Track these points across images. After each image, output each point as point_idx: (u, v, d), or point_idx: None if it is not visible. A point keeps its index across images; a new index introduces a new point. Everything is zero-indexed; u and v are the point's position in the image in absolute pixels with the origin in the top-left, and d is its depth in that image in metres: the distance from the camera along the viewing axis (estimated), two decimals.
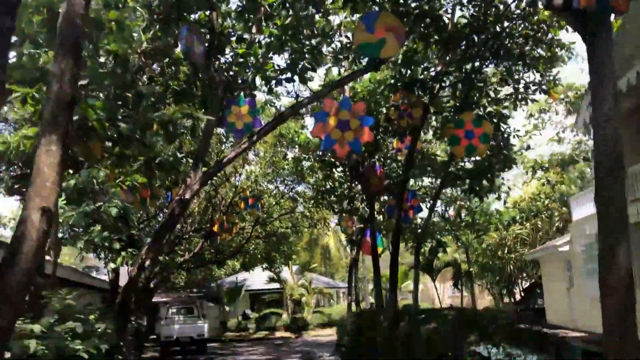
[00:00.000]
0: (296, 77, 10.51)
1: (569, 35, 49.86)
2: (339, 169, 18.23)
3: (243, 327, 30.62)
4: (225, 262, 28.20)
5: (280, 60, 36.72)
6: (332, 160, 17.10)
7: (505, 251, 25.00)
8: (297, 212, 25.74)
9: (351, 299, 20.84)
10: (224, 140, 20.27)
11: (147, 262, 8.68)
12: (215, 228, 19.94)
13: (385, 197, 17.58)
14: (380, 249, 19.79)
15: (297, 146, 20.64)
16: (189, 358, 20.32)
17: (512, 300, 28.67)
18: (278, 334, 29.44)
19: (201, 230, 22.58)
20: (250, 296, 35.04)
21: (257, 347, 24.31)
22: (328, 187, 21.99)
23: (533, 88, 13.04)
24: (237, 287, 32.05)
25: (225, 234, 20.22)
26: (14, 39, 5.48)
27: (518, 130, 14.19)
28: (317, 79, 25.17)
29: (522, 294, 27.81)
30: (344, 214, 21.40)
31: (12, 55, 6.51)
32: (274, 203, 24.36)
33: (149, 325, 24.99)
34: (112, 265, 11.66)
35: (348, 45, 11.45)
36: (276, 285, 31.76)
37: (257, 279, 34.74)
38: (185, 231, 22.43)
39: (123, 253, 9.01)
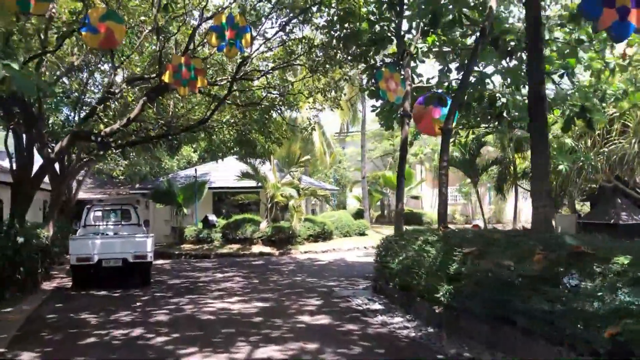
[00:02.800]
0: None
1: None
2: None
3: (205, 237, 22.88)
4: (180, 145, 19.81)
5: None
6: None
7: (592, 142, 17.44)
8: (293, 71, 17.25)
9: (400, 207, 12.87)
10: None
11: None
12: (166, 77, 11.43)
13: None
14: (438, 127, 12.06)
15: None
16: (119, 295, 12.45)
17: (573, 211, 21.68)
18: (255, 248, 21.87)
19: (143, 82, 13.96)
20: (216, 197, 27.10)
21: (228, 271, 16.71)
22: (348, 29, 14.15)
23: None
24: (198, 183, 23.93)
25: (182, 88, 11.74)
26: None
27: None
28: None
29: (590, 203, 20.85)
30: (384, 68, 13.22)
31: None
32: (260, 50, 15.68)
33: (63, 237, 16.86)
34: None
35: None
36: (252, 183, 23.81)
37: (225, 174, 26.64)
38: (113, 83, 13.76)
39: None
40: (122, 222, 15.43)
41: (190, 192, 23.96)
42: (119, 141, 15.12)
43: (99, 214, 15.30)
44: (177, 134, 15.21)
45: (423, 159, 43.06)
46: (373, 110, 15.91)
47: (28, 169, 13.82)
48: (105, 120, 15.50)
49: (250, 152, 18.97)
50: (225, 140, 19.30)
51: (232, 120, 17.27)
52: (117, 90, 13.70)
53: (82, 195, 33.72)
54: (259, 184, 23.45)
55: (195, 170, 24.71)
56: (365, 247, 23.44)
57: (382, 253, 11.23)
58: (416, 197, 35.22)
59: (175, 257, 21.71)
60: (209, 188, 25.26)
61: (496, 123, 15.32)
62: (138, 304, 10.92)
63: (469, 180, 43.34)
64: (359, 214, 29.93)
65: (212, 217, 23.76)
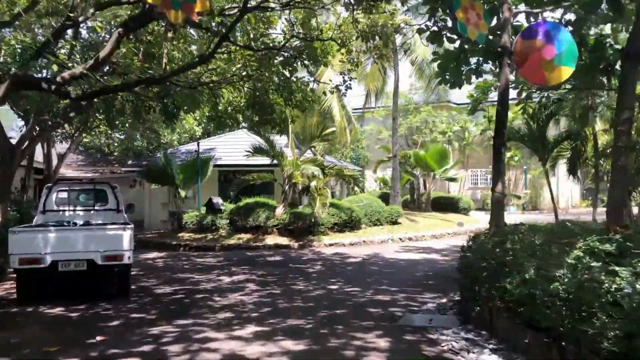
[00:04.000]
0: None
1: None
2: None
3: (209, 224, 19.03)
4: (178, 111, 15.80)
5: None
6: None
7: None
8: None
9: (500, 190, 8.76)
10: None
11: None
12: None
13: None
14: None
15: None
16: (79, 316, 8.65)
17: None
18: (269, 239, 18.00)
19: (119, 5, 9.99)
20: (222, 176, 23.20)
21: (237, 272, 12.94)
22: None
23: None
24: (201, 159, 20.01)
25: (173, 12, 7.82)
26: None
27: None
28: None
29: None
30: None
31: None
32: None
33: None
34: None
35: None
36: (265, 160, 19.88)
37: (233, 149, 22.72)
38: (75, 7, 9.75)
39: None
40: (96, 207, 11.57)
41: (192, 170, 20.06)
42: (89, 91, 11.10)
43: (64, 195, 11.41)
44: (166, 78, 11.14)
45: (452, 137, 39.04)
46: (434, 60, 11.82)
47: None
48: (69, 64, 11.51)
49: (266, 119, 14.95)
50: (234, 103, 15.30)
51: (244, 73, 13.20)
52: (80, 18, 9.72)
53: (70, 173, 30.04)
54: (274, 161, 19.52)
55: (198, 144, 20.76)
56: (401, 239, 19.55)
57: (477, 262, 7.25)
58: (453, 179, 31.15)
59: (171, 248, 17.90)
60: (214, 166, 21.36)
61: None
62: (98, 338, 7.03)
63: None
64: (383, 199, 25.92)
65: (218, 201, 19.89)
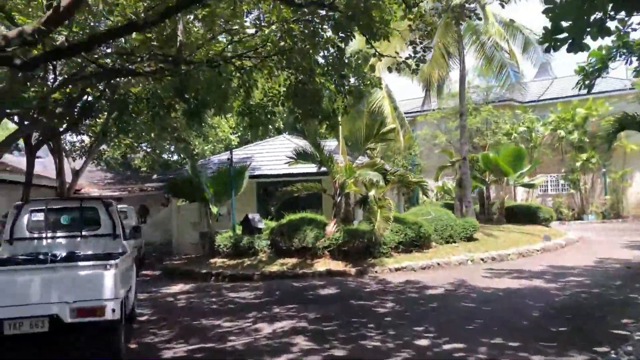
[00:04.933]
0: None
1: None
2: None
3: (246, 247, 15.76)
4: (201, 108, 12.65)
5: None
6: None
7: None
8: None
9: None
10: None
11: None
12: None
13: None
14: None
15: None
16: None
17: None
18: (319, 264, 14.55)
19: None
20: (261, 189, 19.94)
21: (280, 316, 9.65)
22: None
23: None
24: (234, 169, 16.81)
25: None
26: None
27: None
28: None
29: None
30: None
31: None
32: None
33: None
34: None
35: None
36: (311, 168, 16.56)
37: (273, 156, 19.53)
38: None
39: None
40: (84, 232, 8.37)
41: (224, 182, 16.87)
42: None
43: (39, 217, 8.24)
44: (177, 62, 7.90)
45: (517, 139, 34.91)
46: (548, 11, 8.14)
47: None
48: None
49: (311, 111, 11.56)
50: (269, 94, 11.99)
51: (279, 35, 9.85)
52: None
53: (96, 192, 27.47)
54: (322, 169, 16.16)
55: (231, 151, 17.57)
56: (482, 260, 15.82)
57: None
58: (530, 185, 27.06)
59: (200, 278, 14.71)
60: (251, 177, 18.15)
61: None
62: None
63: (577, 163, 35.19)
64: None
65: (255, 218, 16.63)
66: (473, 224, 18.43)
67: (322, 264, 14.68)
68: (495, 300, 10.32)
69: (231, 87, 12.48)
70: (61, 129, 14.91)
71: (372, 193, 14.86)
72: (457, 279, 12.85)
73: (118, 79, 13.80)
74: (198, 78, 12.24)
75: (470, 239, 18.14)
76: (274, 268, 14.70)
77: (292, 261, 15.12)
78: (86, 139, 20.98)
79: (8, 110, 12.32)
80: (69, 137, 21.39)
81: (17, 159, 27.09)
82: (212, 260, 16.25)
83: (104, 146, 22.05)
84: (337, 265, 14.55)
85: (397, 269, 14.37)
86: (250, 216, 16.53)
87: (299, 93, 11.51)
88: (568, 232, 23.07)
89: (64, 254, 8.02)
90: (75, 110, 13.78)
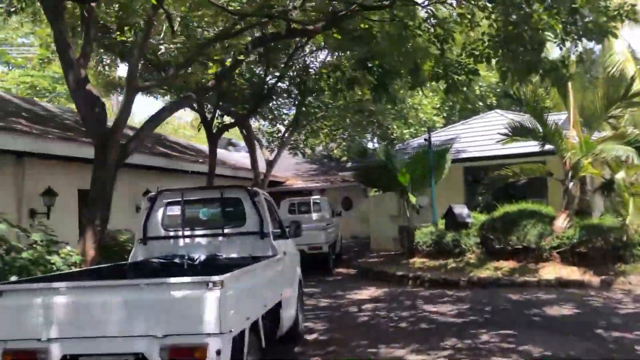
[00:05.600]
0: None
1: None
2: None
3: (450, 245, 13.06)
4: (389, 78, 10.35)
5: None
6: None
7: None
8: None
9: None
10: None
11: None
12: None
13: None
14: None
15: None
16: None
17: None
18: (545, 270, 11.22)
19: None
20: (468, 175, 16.93)
21: (488, 346, 6.70)
22: None
23: None
24: (435, 151, 14.20)
25: None
26: None
27: None
28: None
29: None
30: None
31: None
32: None
33: None
34: None
35: None
36: (531, 147, 13.19)
37: (482, 135, 16.51)
38: None
39: None
40: (226, 230, 6.63)
41: (422, 167, 14.33)
42: None
43: (176, 211, 6.70)
44: None
45: None
46: None
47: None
48: None
49: (529, 64, 8.43)
50: (469, 48, 9.11)
51: None
52: None
53: (299, 184, 27.08)
54: (546, 147, 12.63)
55: (429, 130, 14.95)
56: None
57: None
58: None
59: (396, 282, 12.49)
60: (456, 160, 15.34)
61: None
62: None
63: None
64: None
65: (462, 211, 13.79)
66: None
67: (550, 270, 11.28)
68: None
69: (420, 47, 9.93)
70: (243, 114, 13.86)
71: (620, 175, 11.00)
72: None
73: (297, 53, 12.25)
74: (379, 40, 10.00)
75: None
76: (485, 273, 11.73)
77: (508, 265, 11.98)
78: (282, 128, 20.21)
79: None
80: (265, 127, 20.88)
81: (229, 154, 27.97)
82: (410, 260, 13.88)
83: (300, 135, 21.12)
84: (571, 273, 11.03)
85: None
86: (454, 208, 13.73)
87: (510, 39, 8.48)
88: None
89: (202, 257, 6.40)
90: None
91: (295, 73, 12.40)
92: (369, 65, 10.97)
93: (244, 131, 17.37)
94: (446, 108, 24.32)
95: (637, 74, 19.58)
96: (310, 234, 14.12)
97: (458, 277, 11.70)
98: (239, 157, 26.00)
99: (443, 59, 9.68)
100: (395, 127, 20.89)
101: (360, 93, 14.31)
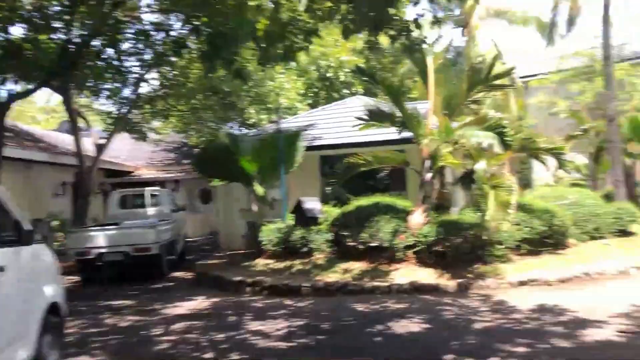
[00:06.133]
0: None
1: None
2: None
3: (299, 244, 11.24)
4: (224, 42, 8.19)
5: None
6: None
7: None
8: None
9: None
10: None
11: None
12: None
13: None
14: None
15: None
16: None
17: None
18: (400, 272, 9.80)
19: None
20: (325, 165, 15.31)
21: None
22: None
23: None
24: (284, 137, 12.36)
25: None
26: None
27: None
28: None
29: None
30: None
31: None
32: None
33: None
34: None
35: None
36: (390, 134, 11.81)
37: (341, 122, 15.02)
38: None
39: None
40: None
41: (272, 154, 12.44)
42: None
43: None
44: None
45: None
46: None
47: None
48: None
49: (376, 21, 6.79)
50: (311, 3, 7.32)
51: None
52: None
53: (151, 174, 24.32)
54: (405, 133, 11.27)
55: (277, 111, 13.14)
56: None
57: None
58: None
59: (231, 289, 10.50)
60: (311, 148, 13.63)
61: None
62: None
63: None
64: None
65: (313, 206, 12.08)
66: (630, 211, 12.72)
67: (404, 273, 9.86)
68: None
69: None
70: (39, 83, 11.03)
71: (481, 165, 9.81)
72: (631, 304, 7.59)
73: None
74: None
75: (624, 233, 12.53)
76: (332, 277, 10.07)
77: (359, 266, 10.42)
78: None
79: None
80: (101, 105, 17.88)
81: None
82: (254, 262, 11.95)
83: (142, 116, 18.39)
84: (427, 275, 9.67)
85: (521, 283, 9.26)
86: (304, 202, 11.98)
87: None
88: None
89: None
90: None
91: (111, 33, 9.91)
92: (196, 24, 8.85)
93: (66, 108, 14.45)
94: (311, 94, 22.76)
95: (498, 57, 19.21)
96: (135, 233, 11.78)
97: (301, 282, 9.92)
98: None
99: (278, 15, 7.77)
100: (252, 111, 18.86)
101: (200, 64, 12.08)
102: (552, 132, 28.48)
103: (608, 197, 14.57)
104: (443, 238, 9.95)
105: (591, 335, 6.32)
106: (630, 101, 27.45)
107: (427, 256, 10.06)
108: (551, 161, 11.86)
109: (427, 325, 7.17)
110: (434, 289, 9.20)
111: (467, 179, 10.74)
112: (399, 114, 11.11)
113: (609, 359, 5.63)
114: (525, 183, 25.68)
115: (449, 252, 9.97)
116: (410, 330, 7.00)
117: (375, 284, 9.52)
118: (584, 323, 6.83)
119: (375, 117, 11.65)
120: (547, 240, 10.68)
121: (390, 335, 6.82)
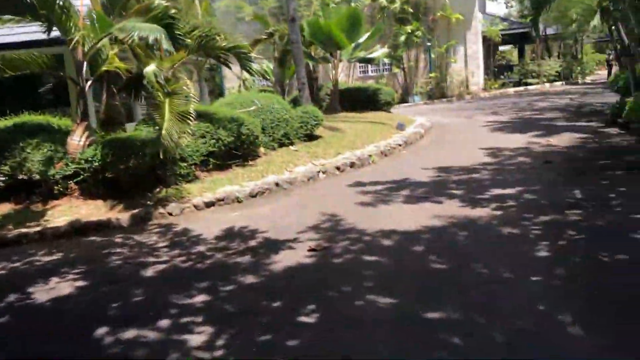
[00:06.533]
0: None
1: None
2: None
3: None
4: None
5: None
6: None
7: None
8: None
9: None
10: None
11: None
12: None
13: None
14: None
15: None
16: None
17: None
18: (59, 210, 7.70)
19: None
20: None
21: None
22: None
23: None
24: None
25: None
26: None
27: None
28: None
29: None
30: None
31: None
32: None
33: None
34: None
35: None
36: (37, 33, 8.96)
37: None
38: None
39: None
40: None
41: None
42: None
43: None
44: None
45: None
46: None
47: None
48: None
49: None
50: None
51: None
52: None
53: None
54: (55, 32, 8.63)
55: None
56: (338, 168, 10.35)
57: None
58: (370, 60, 21.85)
59: None
60: None
61: None
62: None
63: (401, 37, 31.18)
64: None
65: None
66: (315, 114, 12.57)
67: (65, 211, 7.73)
68: (388, 255, 4.77)
69: None
70: None
71: (150, 68, 7.96)
72: (321, 213, 7.04)
73: None
74: None
75: (311, 137, 12.41)
76: None
77: (4, 209, 7.89)
78: None
79: None
80: None
81: None
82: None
83: None
84: (95, 210, 7.73)
85: (209, 204, 8.06)
86: None
87: None
88: (415, 117, 18.57)
89: None
90: None
91: None
92: None
93: None
94: None
95: None
96: None
97: None
98: None
99: None
100: None
101: None
102: (240, 39, 28.04)
103: (295, 103, 14.39)
104: (112, 161, 8.02)
105: (281, 260, 5.40)
106: (310, 7, 28.48)
107: (94, 186, 8.05)
108: (237, 68, 10.76)
109: (84, 283, 5.38)
110: (103, 227, 7.34)
111: (134, 85, 8.81)
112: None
113: (297, 288, 4.73)
114: (219, 92, 24.99)
115: (122, 177, 8.13)
116: (59, 294, 5.12)
117: (24, 230, 7.20)
118: (274, 245, 5.93)
119: (11, 8, 8.66)
120: (236, 152, 9.68)
121: (24, 308, 4.85)
